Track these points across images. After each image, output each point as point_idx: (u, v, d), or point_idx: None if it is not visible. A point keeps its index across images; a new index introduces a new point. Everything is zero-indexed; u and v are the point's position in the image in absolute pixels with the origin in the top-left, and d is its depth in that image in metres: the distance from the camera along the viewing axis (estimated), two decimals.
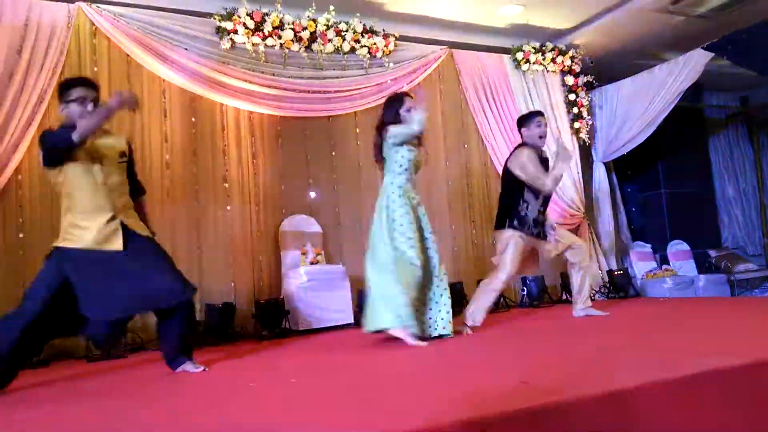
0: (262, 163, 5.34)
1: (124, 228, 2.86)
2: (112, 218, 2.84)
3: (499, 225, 4.13)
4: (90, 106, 2.81)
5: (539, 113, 4.29)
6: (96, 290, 2.74)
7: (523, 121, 4.25)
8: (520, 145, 4.22)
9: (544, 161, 4.14)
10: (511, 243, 4.00)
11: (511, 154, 4.23)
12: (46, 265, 2.85)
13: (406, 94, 3.87)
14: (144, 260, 2.86)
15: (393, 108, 3.72)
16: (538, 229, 4.08)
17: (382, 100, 5.66)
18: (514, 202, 4.05)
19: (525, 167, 4.01)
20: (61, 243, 2.83)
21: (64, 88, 2.89)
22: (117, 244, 2.81)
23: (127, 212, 2.95)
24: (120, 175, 2.96)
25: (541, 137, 4.13)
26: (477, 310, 3.94)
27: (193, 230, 4.97)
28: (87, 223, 2.80)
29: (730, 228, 8.29)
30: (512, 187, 4.09)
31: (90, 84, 2.92)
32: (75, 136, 2.65)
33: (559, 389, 1.85)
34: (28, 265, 4.37)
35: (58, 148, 2.74)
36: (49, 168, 2.84)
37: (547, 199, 4.14)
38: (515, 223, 4.01)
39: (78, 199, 2.83)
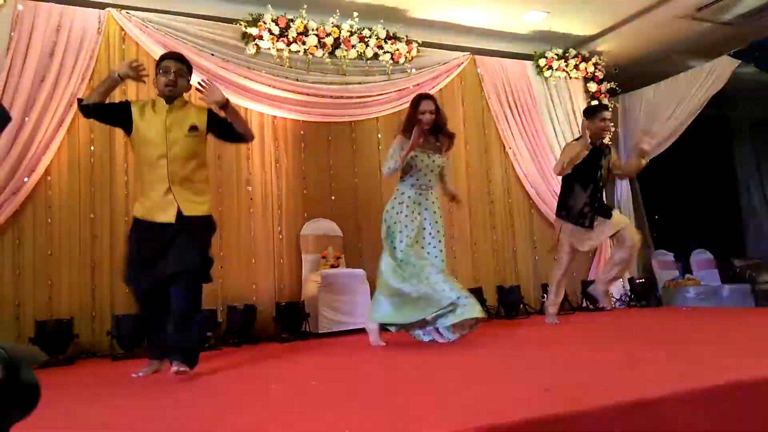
0: (284, 168, 5.39)
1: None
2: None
3: (556, 213, 4.68)
4: (172, 75, 3.00)
5: (604, 107, 4.62)
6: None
7: (589, 114, 4.55)
8: (575, 140, 4.62)
9: (596, 151, 4.44)
10: (563, 234, 4.54)
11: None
12: None
13: (427, 95, 3.96)
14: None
15: (411, 109, 3.86)
16: (582, 219, 4.43)
17: (405, 106, 5.76)
18: (565, 192, 4.55)
19: (562, 154, 4.54)
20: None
21: (157, 63, 3.10)
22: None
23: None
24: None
25: (603, 130, 4.46)
26: (549, 305, 4.72)
27: (216, 233, 5.02)
28: None
29: (756, 237, 8.16)
30: (565, 179, 4.56)
31: (177, 57, 3.10)
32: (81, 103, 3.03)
33: (580, 398, 1.85)
34: (55, 265, 4.47)
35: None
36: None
37: (596, 192, 4.46)
38: (563, 212, 4.53)
39: None
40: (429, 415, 1.82)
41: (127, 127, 3.03)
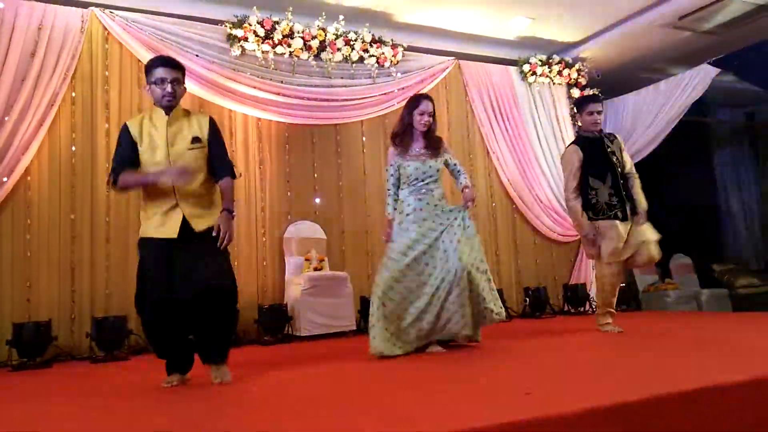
0: (268, 170, 5.38)
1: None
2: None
3: None
4: (169, 87, 2.77)
5: (594, 98, 4.28)
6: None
7: (578, 107, 4.31)
8: (572, 142, 4.30)
9: (598, 140, 4.11)
10: (598, 235, 4.01)
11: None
12: None
13: (427, 95, 3.73)
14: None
15: (408, 107, 3.67)
16: (614, 211, 3.98)
17: (389, 110, 5.81)
18: (583, 192, 4.07)
19: (563, 169, 4.23)
20: None
21: (148, 68, 2.83)
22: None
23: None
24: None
25: (595, 123, 4.12)
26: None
27: None
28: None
29: (734, 242, 8.29)
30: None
31: (171, 64, 2.84)
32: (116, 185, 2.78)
33: (561, 401, 1.87)
34: (34, 267, 4.41)
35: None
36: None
37: (617, 179, 4.03)
38: (590, 213, 4.04)
39: None
40: (406, 420, 1.83)
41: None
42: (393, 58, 5.79)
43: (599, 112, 4.15)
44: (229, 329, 2.93)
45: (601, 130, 4.20)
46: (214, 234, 2.72)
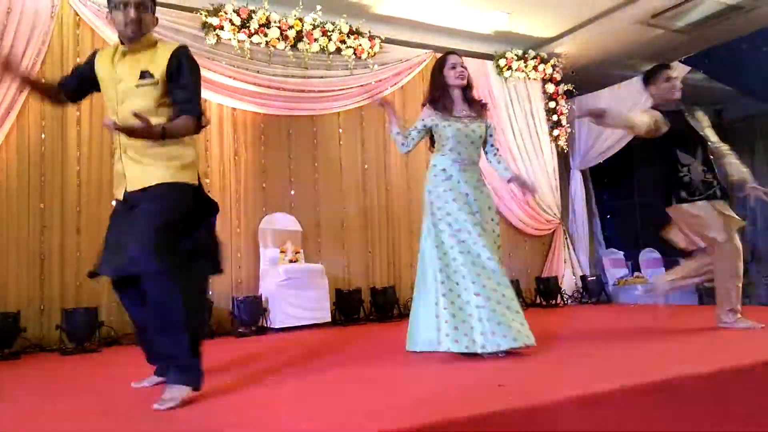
0: (243, 161, 5.33)
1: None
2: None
3: (666, 202, 3.63)
4: (132, 12, 2.27)
5: (665, 65, 3.67)
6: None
7: (649, 78, 3.68)
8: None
9: (680, 115, 3.57)
10: (694, 219, 3.45)
11: None
12: None
13: (449, 51, 3.40)
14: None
15: (437, 69, 3.31)
16: (712, 189, 3.44)
17: (366, 101, 5.80)
18: (671, 170, 3.53)
19: (641, 123, 3.46)
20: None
21: None
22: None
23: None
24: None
25: (674, 89, 3.56)
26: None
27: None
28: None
29: None
30: (659, 153, 3.62)
31: None
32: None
33: (534, 392, 1.91)
34: (2, 257, 4.31)
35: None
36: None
37: (708, 154, 3.52)
38: (683, 194, 3.49)
39: None
40: (379, 411, 1.85)
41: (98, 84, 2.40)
42: (370, 50, 5.78)
43: (676, 78, 3.60)
44: (167, 330, 2.15)
45: (678, 101, 3.61)
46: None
